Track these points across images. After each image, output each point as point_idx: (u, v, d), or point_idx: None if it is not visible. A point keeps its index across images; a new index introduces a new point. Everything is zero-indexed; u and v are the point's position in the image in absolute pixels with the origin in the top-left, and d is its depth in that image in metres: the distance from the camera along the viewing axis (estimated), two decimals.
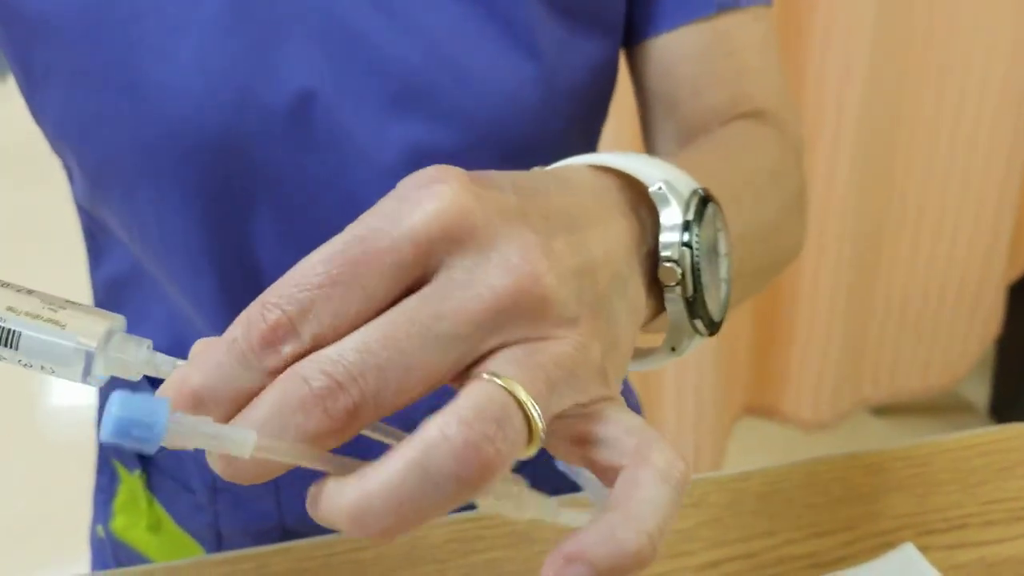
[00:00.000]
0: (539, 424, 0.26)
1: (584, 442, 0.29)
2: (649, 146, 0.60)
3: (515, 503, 0.28)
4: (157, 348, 0.30)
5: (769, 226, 0.48)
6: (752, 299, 1.65)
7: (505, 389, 0.26)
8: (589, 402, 0.29)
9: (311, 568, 0.53)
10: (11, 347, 0.29)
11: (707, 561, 0.53)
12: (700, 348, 1.66)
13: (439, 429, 0.25)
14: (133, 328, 0.33)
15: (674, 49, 0.56)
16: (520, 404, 0.26)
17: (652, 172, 0.34)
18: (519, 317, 0.27)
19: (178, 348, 0.55)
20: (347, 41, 0.50)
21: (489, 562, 0.52)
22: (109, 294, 0.64)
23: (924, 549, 0.53)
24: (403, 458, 0.25)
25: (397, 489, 0.25)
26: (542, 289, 0.27)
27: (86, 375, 0.29)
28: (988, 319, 1.72)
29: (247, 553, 0.52)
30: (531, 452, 0.27)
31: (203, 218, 0.54)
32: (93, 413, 0.73)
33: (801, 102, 1.43)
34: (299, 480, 0.29)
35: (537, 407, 0.26)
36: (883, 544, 0.54)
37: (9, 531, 1.78)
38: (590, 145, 0.59)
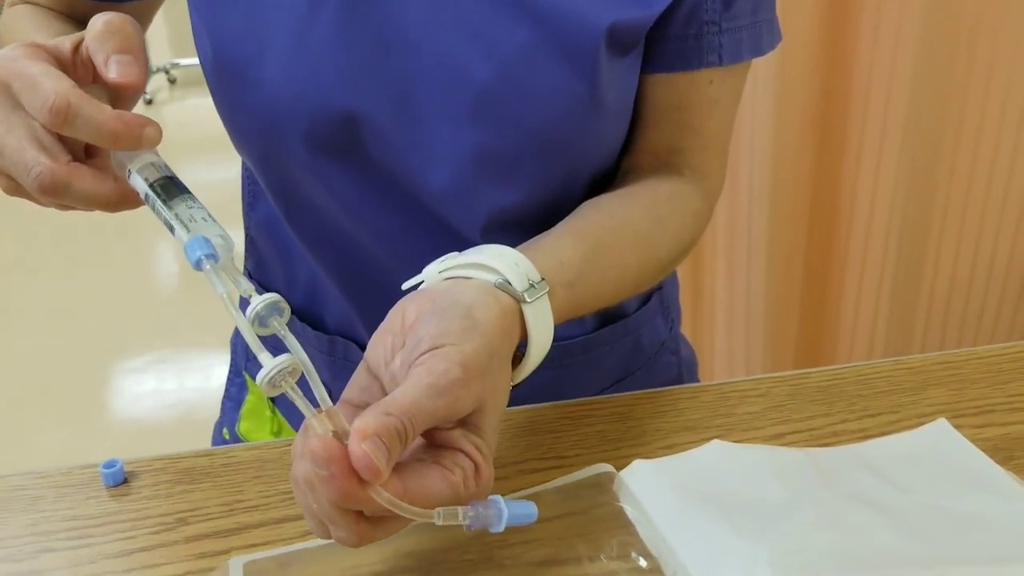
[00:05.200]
0: None
1: None
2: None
3: None
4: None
5: (612, 288, 0.62)
6: (799, 290, 1.74)
7: None
8: None
9: None
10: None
11: (774, 433, 0.64)
12: (749, 336, 1.72)
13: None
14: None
15: (646, 85, 0.68)
16: None
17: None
18: None
19: (315, 280, 0.71)
20: (436, 58, 0.61)
21: (596, 433, 0.64)
22: (260, 232, 0.77)
23: (956, 428, 0.64)
24: None
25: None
26: None
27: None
28: None
29: None
30: None
31: (315, 182, 0.65)
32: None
33: (849, 98, 1.52)
34: None
35: None
36: (922, 424, 0.64)
37: None
38: (621, 136, 0.69)
